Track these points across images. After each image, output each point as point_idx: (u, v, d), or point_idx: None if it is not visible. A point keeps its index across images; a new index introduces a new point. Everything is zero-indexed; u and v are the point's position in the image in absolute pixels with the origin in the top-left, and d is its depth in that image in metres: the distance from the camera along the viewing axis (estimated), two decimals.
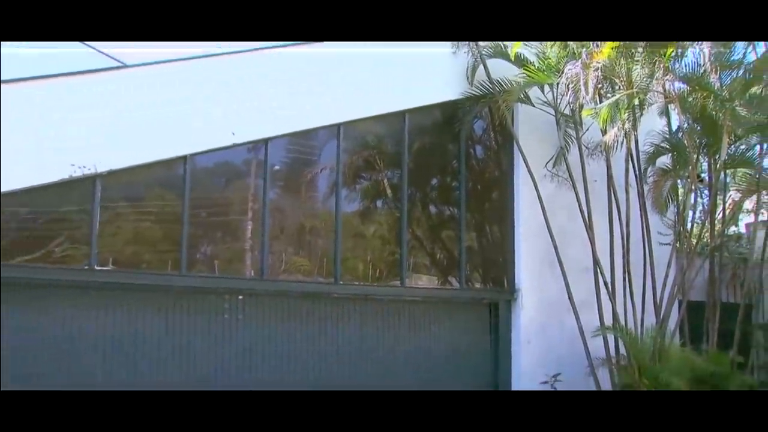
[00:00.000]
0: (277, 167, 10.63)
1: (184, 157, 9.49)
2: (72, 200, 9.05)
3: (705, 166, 12.54)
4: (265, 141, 10.14)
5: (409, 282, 11.38)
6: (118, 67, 9.20)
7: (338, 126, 10.72)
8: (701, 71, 10.78)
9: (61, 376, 8.69)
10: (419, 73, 11.24)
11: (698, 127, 11.62)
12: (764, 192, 13.09)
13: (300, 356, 10.31)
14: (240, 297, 10.02)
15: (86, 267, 8.89)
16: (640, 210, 12.00)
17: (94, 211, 8.94)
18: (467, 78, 11.58)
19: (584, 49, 10.48)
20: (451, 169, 12.28)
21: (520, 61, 11.34)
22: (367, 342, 10.86)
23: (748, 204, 13.70)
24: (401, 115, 11.28)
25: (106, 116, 8.96)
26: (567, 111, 11.62)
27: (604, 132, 11.09)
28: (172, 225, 9.67)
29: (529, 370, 11.65)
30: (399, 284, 11.23)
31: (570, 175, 11.59)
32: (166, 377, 9.34)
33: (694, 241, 12.84)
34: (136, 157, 9.16)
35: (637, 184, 12.03)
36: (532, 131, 12.00)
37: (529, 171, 11.59)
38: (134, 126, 9.12)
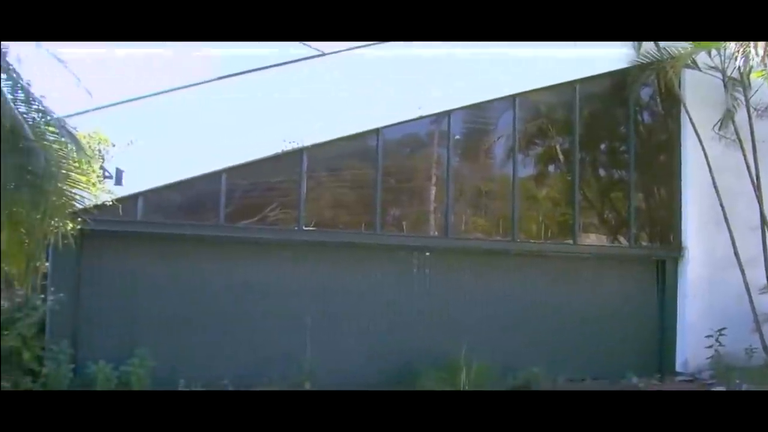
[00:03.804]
0: (458, 137, 11.46)
1: (377, 130, 10.61)
2: (282, 171, 10.43)
3: None
4: (448, 113, 11.06)
5: (580, 240, 11.93)
6: (317, 56, 10.41)
7: (513, 97, 11.43)
8: None
9: (273, 316, 10.17)
10: (587, 45, 11.34)
11: None
12: None
13: (481, 304, 11.16)
14: (427, 253, 11.03)
15: (295, 228, 10.27)
16: None
17: (301, 179, 10.24)
18: (634, 47, 11.83)
19: None
20: (619, 134, 12.63)
21: None
22: (542, 294, 11.53)
23: None
24: (572, 85, 11.81)
25: (309, 97, 10.22)
26: (735, 74, 11.63)
27: None
28: (366, 190, 10.85)
29: (694, 324, 11.94)
30: (571, 242, 11.85)
31: (737, 137, 11.62)
32: (359, 322, 10.58)
33: None
34: (335, 131, 10.35)
35: None
36: (699, 95, 12.12)
37: (696, 133, 11.77)
38: (333, 104, 10.30)
